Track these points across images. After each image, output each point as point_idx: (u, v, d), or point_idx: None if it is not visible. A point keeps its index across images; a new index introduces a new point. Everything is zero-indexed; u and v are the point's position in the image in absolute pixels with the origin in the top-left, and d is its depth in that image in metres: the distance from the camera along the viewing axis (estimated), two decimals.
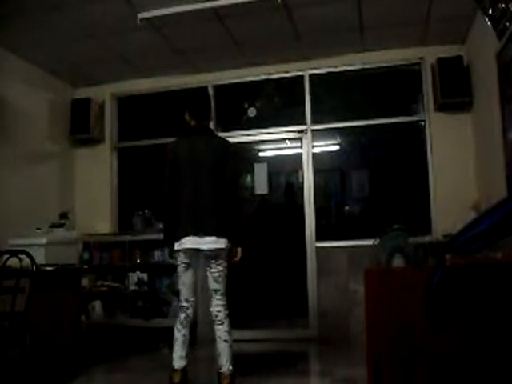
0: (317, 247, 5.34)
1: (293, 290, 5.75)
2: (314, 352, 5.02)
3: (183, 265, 3.35)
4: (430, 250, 4.43)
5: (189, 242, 3.28)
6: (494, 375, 2.27)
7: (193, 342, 3.84)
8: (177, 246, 3.32)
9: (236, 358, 3.38)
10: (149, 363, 4.48)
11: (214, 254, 3.31)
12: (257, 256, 6.03)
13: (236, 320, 4.29)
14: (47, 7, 4.20)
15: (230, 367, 3.25)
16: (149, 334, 5.28)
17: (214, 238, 3.27)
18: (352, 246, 5.17)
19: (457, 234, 2.16)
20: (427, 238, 4.77)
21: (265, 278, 6.31)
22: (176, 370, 3.28)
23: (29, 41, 4.82)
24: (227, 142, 3.59)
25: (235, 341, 3.53)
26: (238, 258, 3.42)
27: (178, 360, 3.29)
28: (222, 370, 3.25)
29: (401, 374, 2.46)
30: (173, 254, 3.41)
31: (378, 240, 4.35)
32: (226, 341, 3.27)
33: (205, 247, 3.28)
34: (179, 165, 3.37)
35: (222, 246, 3.29)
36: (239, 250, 3.42)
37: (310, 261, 5.35)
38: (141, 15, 4.40)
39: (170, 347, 3.40)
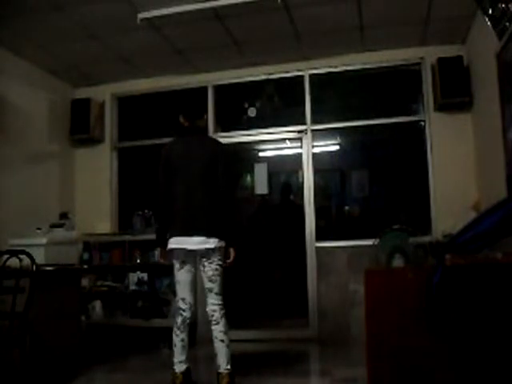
0: (317, 247, 5.33)
1: (293, 289, 5.75)
2: (314, 352, 5.01)
3: (177, 264, 3.37)
4: (430, 250, 4.43)
5: (180, 242, 3.30)
6: (494, 375, 2.27)
7: (193, 342, 3.85)
8: (169, 246, 3.35)
9: (236, 358, 3.38)
10: (149, 363, 4.48)
11: (206, 254, 3.31)
12: (257, 256, 6.04)
13: (236, 320, 4.30)
14: (47, 7, 4.20)
15: (228, 367, 3.24)
16: (149, 334, 5.27)
17: (203, 239, 3.27)
18: (352, 246, 5.16)
19: (457, 233, 2.16)
20: (427, 238, 4.76)
21: (265, 277, 6.31)
22: (177, 373, 3.30)
23: (29, 41, 4.82)
24: (219, 142, 3.63)
25: (235, 341, 3.53)
26: (231, 259, 3.41)
27: (178, 364, 3.31)
28: (220, 370, 3.25)
29: (401, 374, 2.46)
30: (164, 255, 3.44)
31: (377, 240, 4.35)
32: (222, 341, 3.26)
33: (195, 247, 3.29)
34: (172, 166, 3.41)
35: (212, 246, 3.28)
36: (232, 250, 3.41)
37: (310, 261, 5.34)
38: (141, 15, 4.40)
39: (170, 347, 3.41)
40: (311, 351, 5.03)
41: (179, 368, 3.29)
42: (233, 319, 3.59)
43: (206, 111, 3.83)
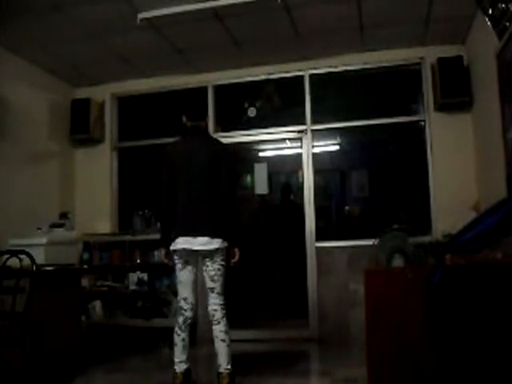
0: (317, 247, 5.33)
1: (293, 289, 5.75)
2: (314, 352, 5.01)
3: (180, 263, 3.38)
4: (430, 249, 4.42)
5: (183, 243, 3.30)
6: (494, 374, 2.27)
7: (193, 342, 3.84)
8: (172, 247, 3.35)
9: (236, 358, 3.39)
10: (149, 363, 4.48)
11: (209, 254, 3.32)
12: (257, 256, 6.04)
13: (236, 320, 4.29)
14: (47, 7, 4.20)
15: (229, 366, 3.25)
16: (149, 334, 5.28)
17: (207, 239, 3.28)
18: (352, 246, 5.16)
19: (457, 233, 2.16)
20: (427, 238, 4.76)
21: (265, 278, 6.31)
22: (177, 373, 3.30)
23: (29, 41, 4.82)
24: (222, 143, 3.63)
25: (235, 341, 3.53)
26: (236, 259, 3.42)
27: (179, 364, 3.31)
28: (220, 370, 3.26)
29: (401, 374, 2.46)
30: (168, 255, 3.44)
31: (377, 240, 4.35)
32: (223, 340, 3.27)
33: (198, 248, 3.29)
34: (175, 166, 3.41)
35: (216, 246, 3.29)
36: (236, 250, 3.42)
37: (310, 261, 5.34)
38: (141, 15, 4.40)
39: (170, 347, 3.41)
40: (311, 351, 5.03)
41: (179, 368, 3.30)
42: (233, 319, 3.59)
43: (207, 112, 3.84)
